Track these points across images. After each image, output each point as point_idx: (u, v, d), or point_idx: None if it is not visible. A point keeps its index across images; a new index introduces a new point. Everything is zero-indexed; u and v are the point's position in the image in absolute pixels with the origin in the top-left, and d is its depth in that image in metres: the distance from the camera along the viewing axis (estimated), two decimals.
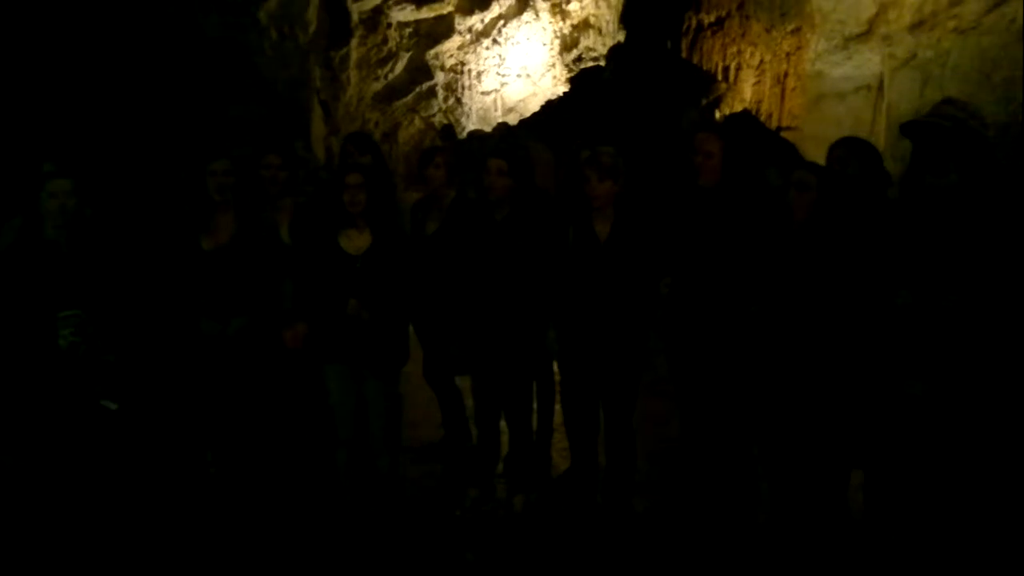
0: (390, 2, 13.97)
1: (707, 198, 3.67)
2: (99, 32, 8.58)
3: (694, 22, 12.03)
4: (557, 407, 4.32)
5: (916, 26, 13.08)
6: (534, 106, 13.17)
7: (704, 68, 11.99)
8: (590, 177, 3.61)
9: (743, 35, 12.08)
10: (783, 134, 11.32)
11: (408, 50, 14.32)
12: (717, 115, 11.68)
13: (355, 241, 3.85)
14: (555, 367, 4.27)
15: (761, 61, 12.19)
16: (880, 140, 11.04)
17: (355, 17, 13.83)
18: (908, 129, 3.00)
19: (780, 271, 3.19)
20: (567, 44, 14.48)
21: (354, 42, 13.88)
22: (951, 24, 12.98)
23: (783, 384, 3.21)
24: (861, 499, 3.32)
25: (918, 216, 2.90)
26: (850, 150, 3.46)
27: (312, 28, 12.88)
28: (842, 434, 3.08)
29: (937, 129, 2.88)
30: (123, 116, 7.74)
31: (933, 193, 2.83)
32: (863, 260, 3.00)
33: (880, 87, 13.40)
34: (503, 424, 4.15)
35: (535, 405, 4.60)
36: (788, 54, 12.20)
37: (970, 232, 2.75)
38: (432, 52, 14.42)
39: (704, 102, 11.72)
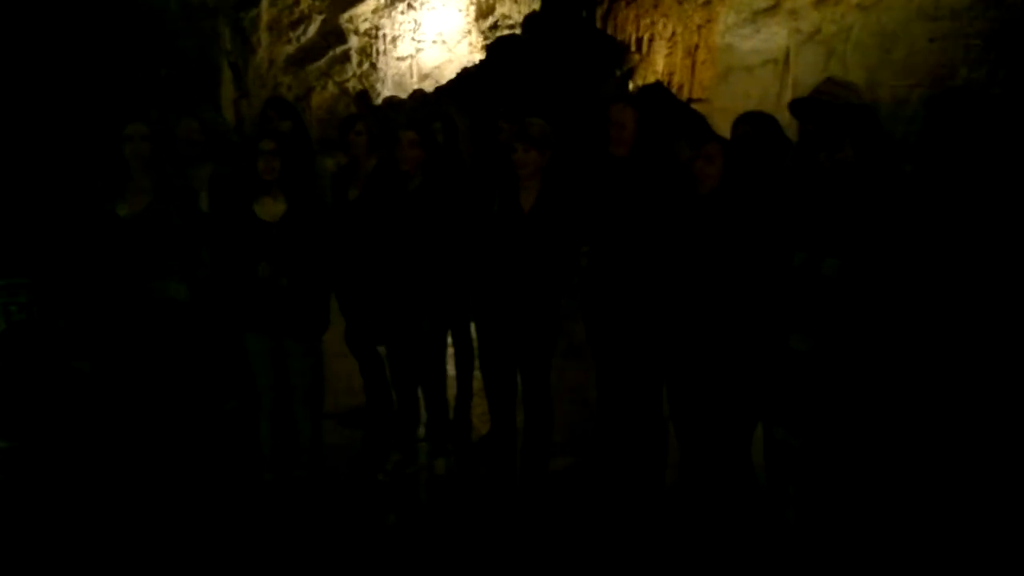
0: None
1: (619, 168, 3.78)
2: None
3: None
4: (477, 373, 4.41)
5: (821, 2, 13.46)
6: (450, 73, 13.11)
7: (618, 39, 12.12)
8: (517, 147, 3.65)
9: (656, 7, 12.24)
10: (694, 106, 11.55)
11: (321, 13, 14.06)
12: (631, 86, 11.85)
13: (270, 208, 3.81)
14: (473, 333, 4.36)
15: (673, 33, 12.38)
16: (786, 113, 11.41)
17: None
18: (796, 107, 3.15)
19: (686, 239, 3.33)
20: (483, 11, 14.42)
21: (264, 3, 13.55)
22: (854, 0, 13.40)
23: (688, 344, 3.36)
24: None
25: (813, 187, 3.07)
26: (753, 124, 3.61)
27: None
28: (743, 390, 3.25)
29: (828, 107, 3.03)
30: (22, 79, 7.41)
31: (828, 168, 2.99)
32: (763, 226, 3.16)
33: (787, 61, 13.77)
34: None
35: (455, 371, 4.70)
36: (699, 27, 12.41)
37: (862, 201, 2.93)
38: (346, 15, 14.19)
39: (618, 73, 11.87)
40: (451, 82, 11.89)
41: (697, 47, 12.62)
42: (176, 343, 3.80)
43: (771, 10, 13.70)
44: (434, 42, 14.39)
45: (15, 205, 3.65)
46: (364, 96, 12.79)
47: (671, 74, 12.51)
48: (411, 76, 14.22)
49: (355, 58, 14.30)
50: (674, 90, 12.03)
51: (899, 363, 2.85)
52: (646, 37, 12.33)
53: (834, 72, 13.29)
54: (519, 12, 13.70)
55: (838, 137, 2.94)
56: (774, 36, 13.75)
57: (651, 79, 11.96)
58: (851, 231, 2.91)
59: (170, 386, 3.80)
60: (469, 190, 3.99)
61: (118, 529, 3.60)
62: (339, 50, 14.24)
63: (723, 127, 4.00)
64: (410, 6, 14.32)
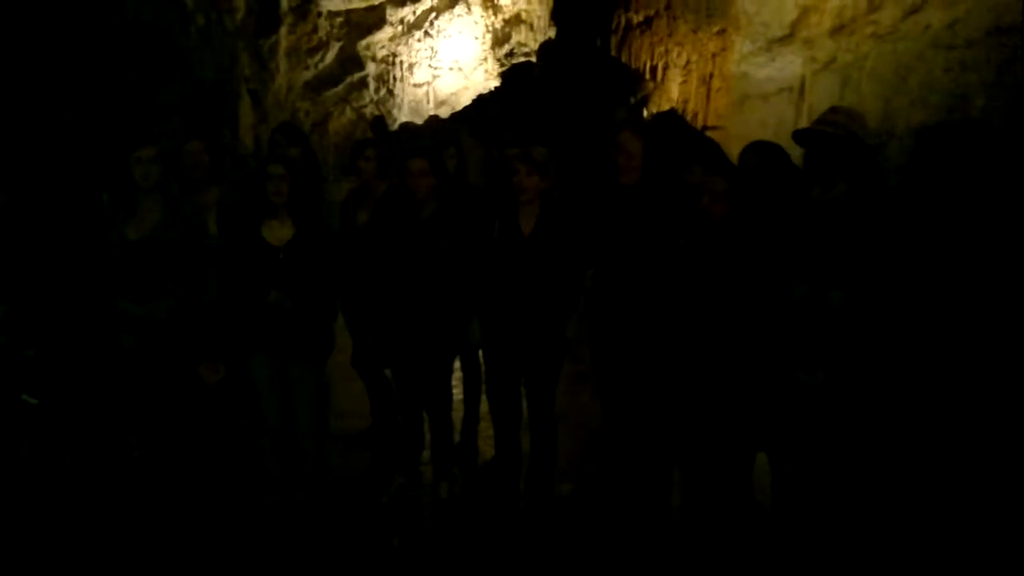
0: None
1: (628, 196, 3.79)
2: (16, 11, 8.29)
3: (623, 20, 12.21)
4: (483, 396, 4.40)
5: (836, 30, 13.50)
6: (466, 99, 13.24)
7: (632, 66, 12.19)
8: (519, 170, 3.69)
9: (670, 35, 12.31)
10: (709, 133, 11.58)
11: (339, 40, 14.23)
12: (645, 113, 11.90)
13: (277, 232, 3.84)
14: (481, 357, 4.36)
15: (688, 61, 12.44)
16: None
17: (284, 5, 13.68)
18: (800, 136, 3.14)
19: (691, 268, 3.33)
20: (499, 39, 14.57)
21: (283, 30, 13.73)
22: (869, 29, 13.42)
23: (690, 373, 3.35)
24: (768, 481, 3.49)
25: (813, 219, 3.06)
26: (760, 153, 3.61)
27: (240, 15, 12.70)
28: (744, 419, 3.23)
29: (824, 138, 3.02)
30: (42, 101, 7.52)
31: (820, 204, 2.98)
32: (766, 256, 3.16)
33: (802, 89, 13.79)
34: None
35: (462, 395, 4.70)
36: (714, 55, 12.48)
37: (857, 235, 2.91)
38: (363, 43, 14.36)
39: (632, 100, 11.93)
40: (466, 108, 11.99)
41: (712, 75, 12.67)
42: (185, 363, 3.83)
43: (786, 39, 13.74)
44: (450, 69, 14.53)
45: (19, 227, 3.67)
46: (380, 122, 12.91)
47: (686, 102, 12.55)
48: (428, 102, 14.36)
49: (372, 84, 14.46)
50: (688, 118, 12.07)
51: (905, 392, 2.83)
52: (660, 65, 12.40)
53: (849, 101, 13.33)
54: (535, 40, 13.83)
55: (830, 172, 2.94)
56: (789, 65, 13.78)
57: (665, 107, 12.01)
58: (852, 263, 2.89)
59: (173, 407, 3.82)
60: (479, 215, 4.01)
61: (116, 552, 3.60)
62: (356, 76, 14.41)
63: (738, 155, 4.01)
64: (427, 34, 14.49)
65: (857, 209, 2.92)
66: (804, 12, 13.41)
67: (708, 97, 12.68)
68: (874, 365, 2.85)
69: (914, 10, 12.91)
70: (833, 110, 3.17)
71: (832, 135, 3.00)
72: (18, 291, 3.58)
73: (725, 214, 3.25)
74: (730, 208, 3.25)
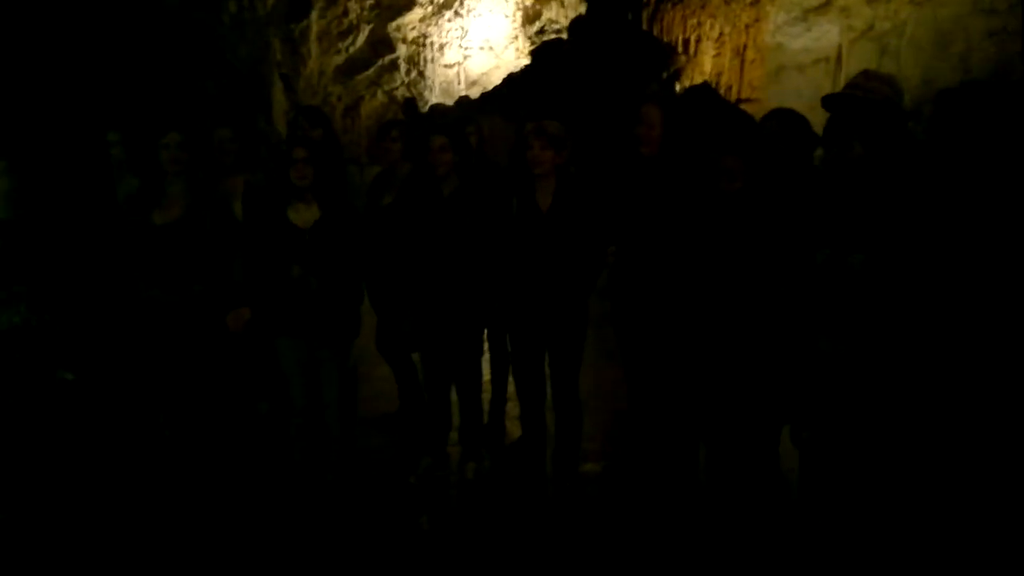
0: None
1: (648, 167, 3.75)
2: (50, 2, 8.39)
3: None
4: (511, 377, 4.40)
5: None
6: (497, 79, 13.18)
7: (664, 40, 12.04)
8: (533, 145, 3.68)
9: (703, 7, 12.13)
10: (743, 106, 11.42)
11: (369, 22, 14.23)
12: (677, 87, 11.76)
13: (303, 215, 3.87)
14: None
15: (721, 33, 12.26)
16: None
17: None
18: (829, 102, 3.08)
19: (712, 238, 3.28)
20: (529, 16, 14.46)
21: (314, 15, 13.76)
22: None
23: (714, 346, 3.31)
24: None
25: (832, 183, 3.00)
26: (780, 121, 3.55)
27: (271, 1, 12.75)
28: (769, 391, 3.19)
29: (852, 102, 2.95)
30: (76, 90, 7.62)
31: (837, 165, 2.92)
32: (786, 224, 3.10)
33: (839, 58, 13.53)
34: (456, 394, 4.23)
35: (489, 375, 4.70)
36: (747, 26, 12.28)
37: (874, 197, 2.85)
38: (394, 24, 14.35)
39: (664, 75, 11.79)
40: (496, 88, 11.93)
41: (746, 47, 12.48)
42: (208, 347, 3.87)
43: (822, 8, 13.48)
44: (481, 48, 14.47)
45: (50, 212, 3.73)
46: (411, 104, 12.92)
47: (719, 75, 12.39)
48: (459, 83, 14.32)
49: (403, 66, 14.45)
50: (722, 91, 11.91)
51: (924, 361, 2.76)
52: (693, 38, 12.23)
53: (888, 69, 13.05)
54: (565, 17, 13.71)
55: (846, 134, 2.87)
56: (826, 34, 13.53)
57: (699, 80, 11.86)
58: (871, 226, 2.83)
59: (200, 388, 3.87)
60: (500, 192, 4.00)
61: (135, 536, 3.66)
62: (387, 59, 14.41)
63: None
64: (457, 13, 14.43)
65: (874, 171, 2.85)
66: None
67: (742, 69, 12.50)
68: (896, 332, 2.78)
69: None
70: (865, 75, 3.10)
71: (862, 99, 2.93)
72: (49, 272, 3.63)
73: (741, 188, 3.20)
74: (747, 183, 3.19)
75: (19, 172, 3.55)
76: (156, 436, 3.94)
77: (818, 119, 3.27)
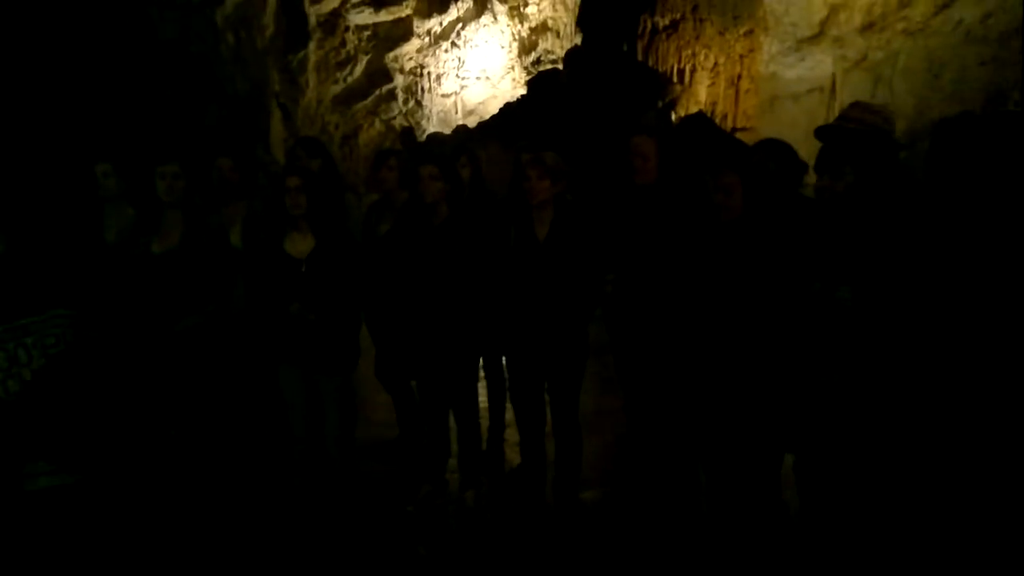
0: (348, 5, 13.98)
1: (644, 197, 3.77)
2: (50, 32, 8.47)
3: (649, 25, 12.15)
4: (508, 403, 4.40)
5: (866, 28, 13.34)
6: (494, 108, 13.27)
7: (659, 70, 12.13)
8: (530, 176, 3.70)
9: (697, 38, 12.23)
10: (738, 134, 11.49)
11: (367, 53, 14.35)
12: (673, 117, 11.84)
13: (299, 244, 3.88)
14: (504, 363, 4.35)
15: (715, 63, 12.35)
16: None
17: (313, 20, 13.82)
18: (821, 133, 3.12)
19: (709, 268, 3.30)
20: (525, 47, 14.59)
21: (312, 45, 13.87)
22: (900, 26, 13.24)
23: (714, 375, 3.31)
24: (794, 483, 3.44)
25: (823, 214, 3.03)
26: (768, 151, 3.59)
27: (269, 31, 12.86)
28: (768, 418, 3.19)
29: (842, 133, 3.00)
30: (74, 119, 7.67)
31: (828, 195, 2.95)
32: (780, 254, 3.12)
33: (833, 88, 13.64)
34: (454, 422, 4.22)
35: (487, 403, 4.69)
36: (742, 56, 12.37)
37: (864, 227, 2.87)
38: (391, 55, 14.47)
39: (660, 104, 11.87)
40: (493, 117, 12.01)
41: (740, 76, 12.57)
42: (212, 373, 3.87)
43: (816, 38, 13.61)
44: (478, 79, 14.59)
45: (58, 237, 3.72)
46: (409, 133, 13.00)
47: (714, 104, 12.46)
48: (456, 112, 14.42)
49: (401, 96, 14.56)
50: (717, 120, 11.98)
51: (920, 388, 2.77)
52: (688, 68, 12.31)
53: (882, 98, 13.15)
54: (561, 47, 13.83)
55: (838, 164, 2.90)
56: (819, 64, 13.64)
57: (694, 109, 11.93)
58: (861, 259, 2.85)
59: (203, 414, 3.86)
60: (496, 222, 4.02)
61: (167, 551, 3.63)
62: (385, 89, 14.51)
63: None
64: (454, 44, 14.56)
65: (865, 202, 2.88)
66: (833, 10, 13.27)
67: (737, 98, 12.58)
68: (890, 363, 2.80)
69: (945, 5, 12.73)
70: (853, 105, 3.15)
71: (852, 130, 2.97)
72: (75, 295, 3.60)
73: (740, 211, 3.22)
74: (745, 204, 3.22)
75: (11, 204, 3.53)
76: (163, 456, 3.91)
77: (813, 149, 3.31)
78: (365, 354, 4.28)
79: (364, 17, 14.14)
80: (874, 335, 2.81)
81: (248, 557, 3.69)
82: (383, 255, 4.27)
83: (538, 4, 14.42)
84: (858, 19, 13.28)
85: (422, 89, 14.50)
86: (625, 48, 12.18)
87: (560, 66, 12.88)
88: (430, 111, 14.46)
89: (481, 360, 4.45)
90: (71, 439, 3.37)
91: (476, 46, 14.52)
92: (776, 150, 3.55)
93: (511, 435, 4.67)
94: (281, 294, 3.82)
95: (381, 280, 4.22)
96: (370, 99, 14.38)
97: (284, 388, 3.99)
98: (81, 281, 3.61)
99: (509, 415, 4.61)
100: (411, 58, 14.48)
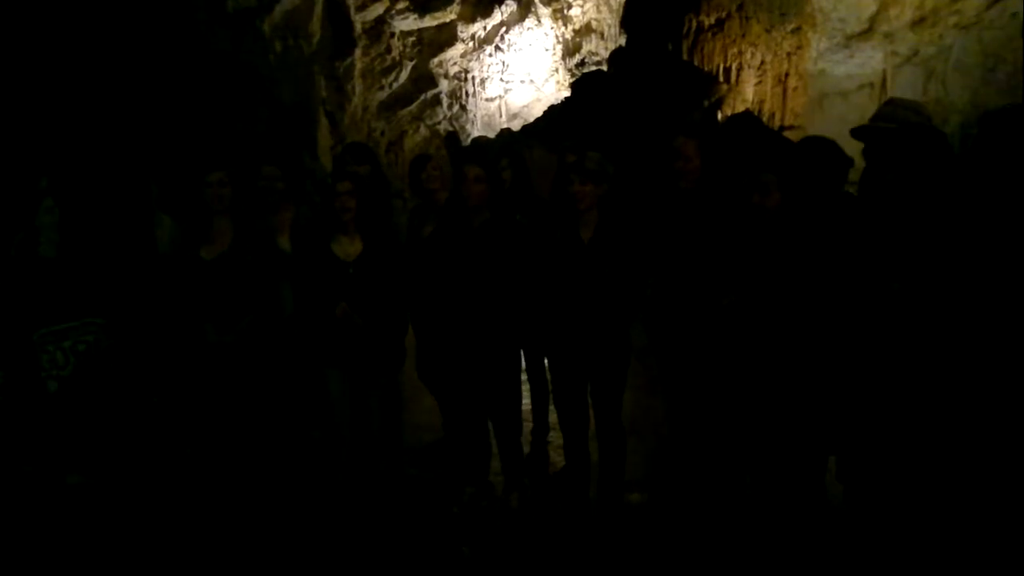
0: (393, 11, 14.11)
1: (687, 200, 3.75)
2: (103, 45, 8.68)
3: (694, 24, 12.07)
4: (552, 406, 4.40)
5: (917, 23, 13.09)
6: (538, 111, 13.27)
7: (705, 69, 12.04)
8: (574, 180, 3.70)
9: (743, 36, 12.11)
10: (786, 133, 11.35)
11: (412, 59, 14.47)
12: (719, 116, 11.73)
13: (347, 248, 3.94)
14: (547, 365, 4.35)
15: (762, 61, 12.22)
16: None
17: (358, 27, 13.98)
18: (859, 133, 3.08)
19: (752, 266, 3.27)
20: (570, 49, 14.58)
21: (358, 52, 14.03)
22: (952, 20, 12.98)
23: (758, 377, 3.28)
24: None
25: (880, 210, 2.98)
26: (811, 149, 3.53)
27: (316, 39, 13.02)
28: (815, 422, 3.15)
29: (872, 132, 2.95)
30: (127, 129, 7.85)
31: (875, 192, 2.90)
32: (823, 251, 3.08)
33: (883, 84, 13.41)
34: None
35: (531, 405, 4.70)
36: (789, 54, 12.23)
37: (915, 223, 2.82)
38: (436, 60, 14.57)
39: (706, 103, 11.77)
40: (537, 120, 12.01)
41: (788, 74, 12.42)
42: (259, 379, 3.94)
43: (865, 34, 13.40)
44: (522, 82, 14.61)
45: (97, 248, 3.82)
46: (453, 137, 13.07)
47: (761, 102, 12.33)
48: (500, 116, 14.46)
49: (445, 101, 14.65)
50: (765, 119, 11.85)
51: (963, 388, 2.72)
52: (734, 67, 12.20)
53: (934, 94, 12.90)
54: (605, 48, 13.80)
55: (881, 163, 2.86)
56: (869, 60, 13.44)
57: (740, 108, 11.82)
58: (911, 253, 2.80)
59: (255, 416, 3.93)
60: (543, 224, 4.02)
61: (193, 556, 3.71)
62: (430, 94, 14.62)
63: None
64: (498, 48, 14.60)
65: (911, 197, 2.83)
66: (883, 5, 13.06)
67: (784, 96, 12.43)
68: (939, 359, 2.74)
69: None
70: (886, 103, 3.11)
71: (884, 129, 2.93)
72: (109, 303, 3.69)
73: (779, 207, 3.18)
74: (784, 202, 3.18)
75: (65, 209, 3.62)
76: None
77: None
78: (410, 356, 4.31)
79: (409, 23, 14.27)
80: (926, 331, 2.75)
81: (294, 557, 3.74)
82: (426, 257, 4.30)
83: (582, 6, 14.40)
84: (909, 14, 13.05)
85: (466, 94, 14.58)
86: (670, 48, 12.11)
87: (604, 68, 12.85)
88: (474, 115, 14.53)
89: (524, 363, 4.46)
90: (93, 441, 3.45)
91: (520, 49, 14.54)
92: (820, 147, 3.50)
93: (555, 437, 4.67)
94: (329, 297, 3.87)
95: (425, 282, 4.25)
96: (415, 105, 14.50)
97: (331, 391, 4.03)
98: (118, 291, 3.72)
99: (553, 418, 4.62)
100: (455, 63, 14.57)
